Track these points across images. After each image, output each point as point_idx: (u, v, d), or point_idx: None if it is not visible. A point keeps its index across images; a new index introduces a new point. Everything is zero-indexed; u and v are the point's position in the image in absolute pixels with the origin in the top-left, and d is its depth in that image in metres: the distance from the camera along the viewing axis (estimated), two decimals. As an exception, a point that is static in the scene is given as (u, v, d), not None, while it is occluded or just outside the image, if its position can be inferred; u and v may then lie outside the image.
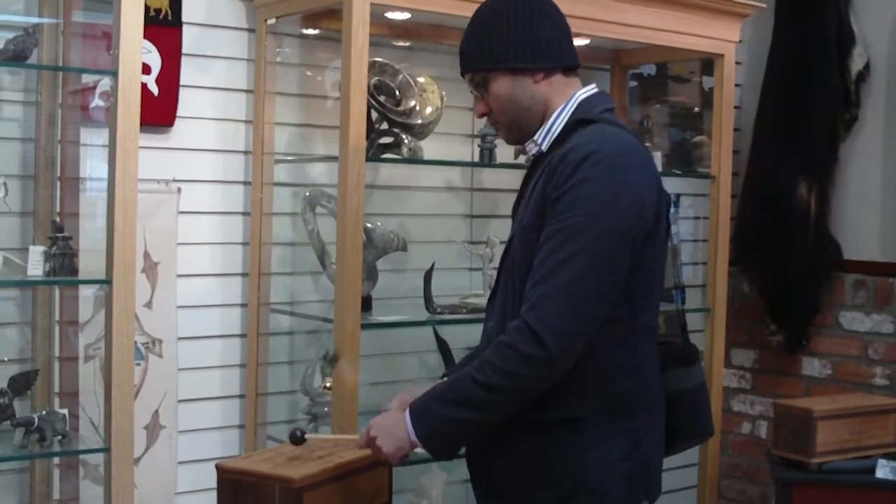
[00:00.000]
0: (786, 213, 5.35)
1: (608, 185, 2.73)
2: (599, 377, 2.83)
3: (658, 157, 4.95)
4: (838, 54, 5.30)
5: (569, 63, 2.99)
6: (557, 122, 2.94)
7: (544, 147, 2.94)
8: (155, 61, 4.05)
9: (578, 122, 2.90)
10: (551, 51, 2.94)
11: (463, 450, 2.99)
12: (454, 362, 3.47)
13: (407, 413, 2.87)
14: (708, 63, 5.15)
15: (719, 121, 4.92)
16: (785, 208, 5.35)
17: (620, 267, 2.76)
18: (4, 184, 3.47)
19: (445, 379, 3.17)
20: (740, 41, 4.96)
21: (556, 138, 2.92)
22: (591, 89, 3.00)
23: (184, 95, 4.14)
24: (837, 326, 5.45)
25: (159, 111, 4.06)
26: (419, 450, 2.89)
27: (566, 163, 2.76)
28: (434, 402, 2.86)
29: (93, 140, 3.85)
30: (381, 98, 4.14)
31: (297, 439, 3.11)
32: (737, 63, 5.01)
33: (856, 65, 5.33)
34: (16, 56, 3.42)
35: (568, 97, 2.96)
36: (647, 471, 2.94)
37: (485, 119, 3.11)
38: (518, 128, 3.00)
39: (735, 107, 5.11)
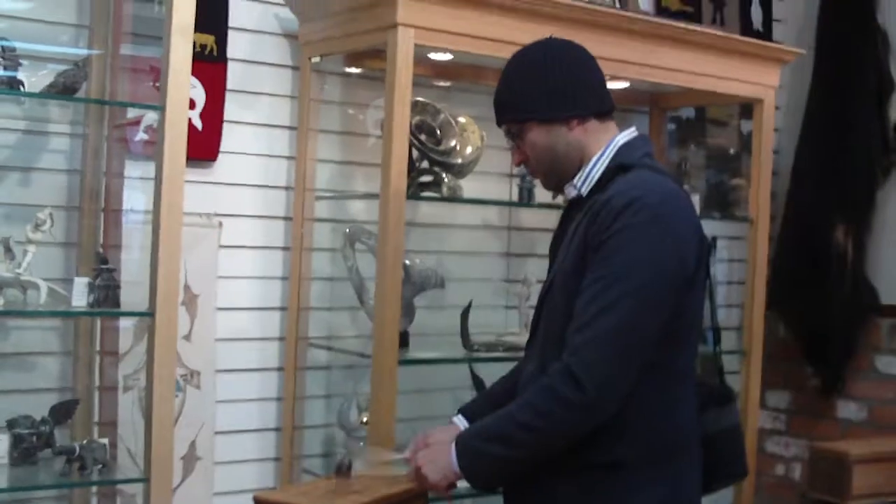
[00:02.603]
0: (822, 257, 5.35)
1: (651, 232, 2.75)
2: (640, 421, 2.84)
3: (696, 200, 4.96)
4: (877, 101, 5.32)
5: (603, 108, 3.00)
6: (597, 167, 2.95)
7: (584, 192, 2.96)
8: (200, 96, 4.09)
9: (619, 167, 2.92)
10: (584, 97, 2.96)
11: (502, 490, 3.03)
12: (470, 402, 3.49)
13: (452, 444, 2.91)
14: (746, 107, 5.16)
15: (758, 164, 4.92)
16: (822, 252, 5.35)
17: (661, 314, 2.77)
18: (51, 215, 3.50)
19: (459, 417, 3.26)
20: (780, 86, 4.96)
21: (596, 183, 2.94)
22: (630, 133, 3.02)
23: (227, 130, 4.19)
24: (873, 370, 5.44)
25: (203, 146, 4.10)
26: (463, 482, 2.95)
27: (609, 209, 2.78)
28: (477, 437, 2.90)
29: (136, 173, 3.89)
30: (422, 137, 4.17)
31: (344, 470, 3.14)
32: (776, 108, 5.01)
33: (894, 112, 5.33)
34: (66, 89, 3.47)
35: (606, 142, 2.97)
36: (689, 513, 2.95)
37: None
38: (555, 175, 3.03)
39: (773, 151, 5.11)
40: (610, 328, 2.71)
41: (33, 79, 3.55)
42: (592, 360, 2.72)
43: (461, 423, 3.23)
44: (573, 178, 2.98)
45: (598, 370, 2.71)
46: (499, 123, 3.08)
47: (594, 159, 2.96)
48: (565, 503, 2.89)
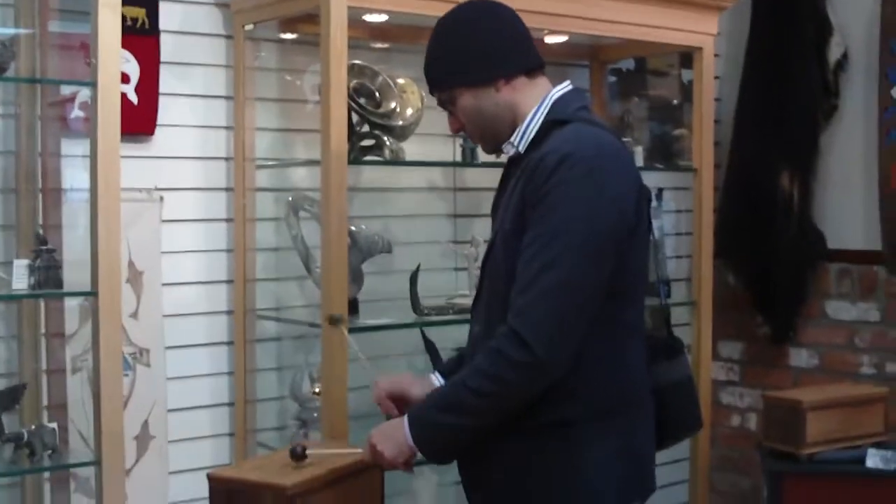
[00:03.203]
0: (768, 204, 5.35)
1: (586, 186, 2.73)
2: (588, 378, 2.83)
3: (639, 152, 4.96)
4: (816, 44, 5.31)
5: (530, 65, 2.99)
6: (532, 123, 2.94)
7: (521, 149, 2.95)
8: (133, 70, 4.03)
9: (554, 122, 2.90)
10: (507, 57, 2.96)
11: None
12: (442, 363, 3.48)
13: (405, 419, 2.91)
14: (686, 56, 5.16)
15: (699, 113, 4.93)
16: (767, 199, 5.35)
17: (604, 267, 2.76)
18: (-13, 197, 3.46)
19: (436, 374, 3.24)
20: (718, 34, 4.96)
21: (533, 139, 2.93)
22: (564, 87, 3.01)
23: (163, 103, 4.13)
24: (823, 316, 5.46)
25: (139, 120, 4.04)
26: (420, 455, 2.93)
27: (543, 166, 2.77)
28: (429, 408, 2.90)
29: (73, 151, 3.84)
30: (361, 100, 4.14)
31: (298, 455, 3.12)
32: (715, 55, 5.02)
33: (833, 54, 5.33)
34: (-7, 69, 3.41)
35: (539, 98, 2.96)
36: (641, 468, 2.96)
37: None
38: (491, 137, 3.04)
39: (715, 99, 5.11)
40: (552, 285, 2.71)
41: (-42, 61, 3.50)
42: (538, 320, 2.71)
43: (437, 379, 3.23)
44: (510, 137, 2.97)
45: (543, 329, 2.71)
46: (430, 93, 3.09)
47: (529, 116, 2.95)
48: (517, 464, 2.89)
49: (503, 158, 3.11)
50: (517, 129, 2.96)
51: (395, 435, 2.91)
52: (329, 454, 3.25)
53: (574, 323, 2.74)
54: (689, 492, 5.14)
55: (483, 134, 3.04)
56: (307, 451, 3.16)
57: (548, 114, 2.94)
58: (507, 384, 2.75)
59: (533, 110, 2.95)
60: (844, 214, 5.38)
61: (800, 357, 5.54)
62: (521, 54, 2.98)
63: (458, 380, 2.86)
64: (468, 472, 3.05)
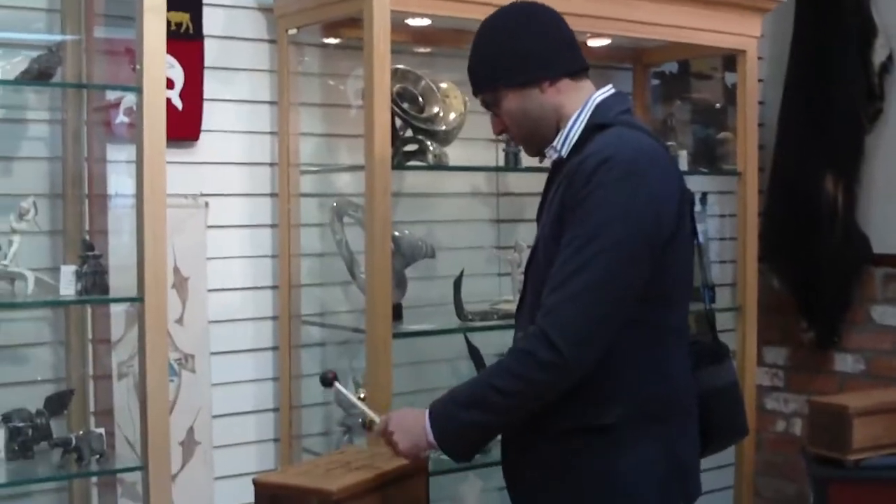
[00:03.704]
0: (813, 208, 5.33)
1: (624, 190, 2.72)
2: (631, 382, 2.82)
3: (683, 156, 4.94)
4: (860, 46, 5.28)
5: (575, 67, 2.98)
6: (575, 127, 2.93)
7: (564, 153, 2.94)
8: (178, 76, 4.05)
9: (596, 126, 2.89)
10: (553, 58, 2.95)
11: (500, 457, 3.02)
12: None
13: (426, 413, 2.90)
14: (730, 59, 5.14)
15: (743, 117, 4.91)
16: (812, 203, 5.32)
17: (638, 271, 2.74)
18: (35, 203, 3.47)
19: None
20: (762, 36, 4.94)
21: (575, 144, 2.91)
22: (607, 91, 2.99)
23: (208, 109, 4.14)
24: (869, 321, 5.42)
25: (184, 125, 4.05)
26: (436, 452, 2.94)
27: (582, 170, 2.76)
28: (452, 404, 2.89)
29: (118, 156, 3.86)
30: (405, 105, 4.13)
31: (328, 382, 3.16)
32: (759, 58, 4.99)
33: (878, 56, 5.30)
34: (41, 75, 3.43)
35: (582, 101, 2.95)
36: (683, 473, 2.93)
37: None
38: (535, 140, 3.02)
39: (759, 102, 5.08)
40: (583, 287, 2.70)
41: (7, 66, 3.53)
42: (566, 320, 2.70)
43: None
44: (553, 140, 2.96)
45: (572, 330, 2.70)
46: (474, 94, 3.08)
47: (571, 120, 2.94)
48: (558, 466, 2.87)
49: (546, 163, 3.10)
50: (560, 133, 2.94)
51: (414, 428, 2.91)
52: (353, 399, 3.31)
53: (603, 326, 2.73)
54: (734, 498, 5.11)
55: (526, 136, 3.03)
56: (336, 383, 3.25)
57: (590, 118, 2.92)
58: (533, 384, 2.74)
59: (576, 114, 2.93)
60: (889, 218, 5.34)
61: (845, 362, 5.50)
62: (566, 56, 2.97)
63: (482, 377, 2.88)
64: (510, 473, 3.04)
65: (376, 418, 3.11)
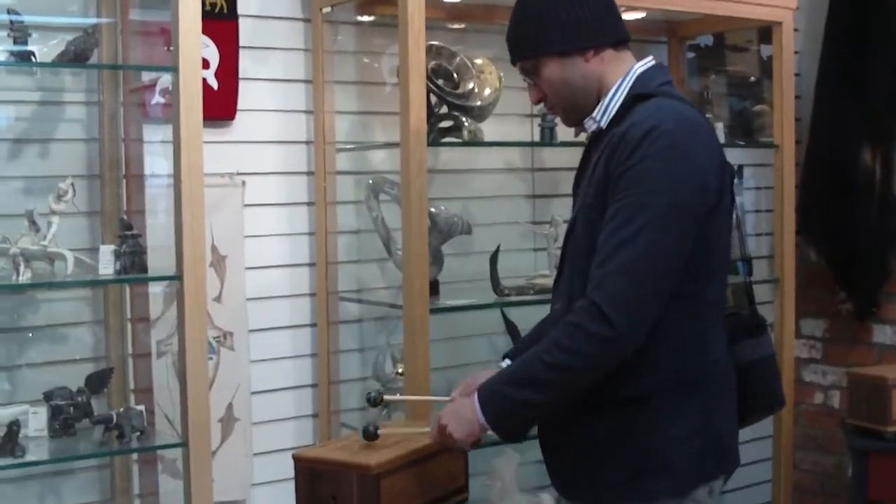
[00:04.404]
0: (850, 179, 5.30)
1: (669, 160, 2.71)
2: (669, 354, 2.82)
3: (720, 129, 4.93)
4: (897, 16, 5.25)
5: (618, 38, 2.97)
6: (615, 98, 2.92)
7: (603, 124, 2.92)
8: (213, 55, 4.06)
9: (637, 97, 2.88)
10: (598, 27, 2.93)
11: (535, 430, 3.01)
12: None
13: (475, 396, 2.89)
14: (765, 31, 5.12)
15: (780, 89, 4.89)
16: (849, 174, 5.29)
17: (685, 242, 2.74)
18: (73, 185, 3.49)
19: (506, 362, 3.20)
20: (797, 8, 4.91)
21: (615, 115, 2.90)
22: (648, 62, 2.98)
23: (243, 88, 4.15)
24: (908, 292, 5.40)
25: (220, 105, 4.07)
26: (490, 433, 2.91)
27: (627, 140, 2.75)
28: (502, 384, 2.87)
29: (154, 137, 3.89)
30: (440, 82, 4.13)
31: (371, 435, 3.14)
32: (795, 30, 4.96)
33: (915, 26, 5.26)
34: (77, 57, 3.46)
35: (623, 72, 2.94)
36: (720, 446, 2.92)
37: None
38: (575, 109, 3.00)
39: (795, 74, 5.06)
40: (633, 259, 2.69)
41: (44, 49, 3.56)
42: (618, 293, 2.69)
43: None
44: (593, 111, 2.95)
45: (624, 303, 2.69)
46: (513, 62, 3.05)
47: (612, 90, 2.93)
48: (594, 438, 2.88)
49: (582, 138, 3.09)
50: (600, 104, 2.93)
51: (465, 414, 2.89)
52: (400, 431, 3.27)
53: (653, 297, 2.73)
54: (772, 469, 5.11)
55: (566, 106, 3.00)
56: (378, 431, 3.18)
57: (631, 88, 2.91)
58: (584, 357, 2.73)
59: (617, 84, 2.92)
60: (928, 189, 5.31)
61: (884, 333, 5.48)
62: (611, 26, 2.96)
63: (532, 354, 2.83)
64: (546, 445, 3.04)
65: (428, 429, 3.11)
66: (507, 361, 3.20)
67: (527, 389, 2.80)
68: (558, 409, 2.87)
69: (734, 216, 3.00)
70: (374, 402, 3.22)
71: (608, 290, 2.70)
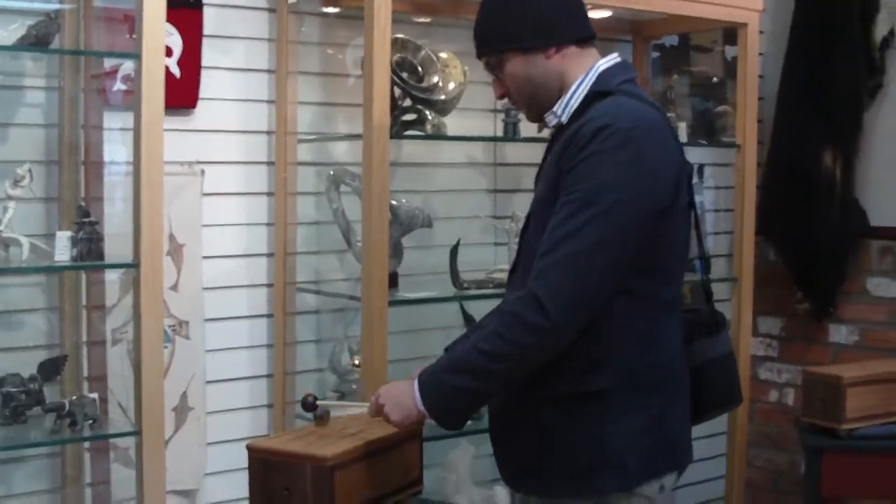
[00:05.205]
0: (811, 181, 5.32)
1: (620, 158, 2.73)
2: (623, 351, 2.84)
3: (682, 128, 4.94)
4: (862, 20, 5.26)
5: (583, 35, 2.98)
6: (576, 94, 2.93)
7: (564, 119, 2.94)
8: (176, 43, 4.03)
9: (597, 94, 2.89)
10: (561, 25, 2.94)
11: (485, 422, 3.03)
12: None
13: (415, 382, 2.91)
14: (730, 32, 5.13)
15: (743, 90, 4.90)
16: (810, 176, 5.32)
17: (630, 240, 2.75)
18: (30, 170, 3.47)
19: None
20: (763, 10, 4.92)
21: (576, 111, 2.91)
22: (612, 59, 3.00)
23: (206, 77, 4.13)
24: (864, 293, 5.43)
25: (182, 93, 4.04)
26: (429, 421, 2.94)
27: (580, 136, 2.76)
28: (440, 371, 2.90)
29: (115, 124, 3.86)
30: (404, 75, 4.13)
31: (310, 406, 3.15)
32: (760, 32, 4.97)
33: (880, 31, 5.28)
34: (38, 41, 3.43)
35: (586, 69, 2.95)
36: (672, 443, 2.95)
37: None
38: (537, 105, 3.01)
39: (759, 76, 5.07)
40: (574, 253, 2.71)
41: (4, 33, 3.53)
42: (556, 285, 2.71)
43: None
44: (554, 106, 2.96)
45: (562, 295, 2.71)
46: (479, 56, 3.07)
47: (574, 87, 2.94)
48: (545, 433, 2.89)
49: (545, 133, 3.10)
50: (561, 100, 2.95)
51: (403, 399, 2.91)
52: (337, 405, 3.27)
53: (593, 292, 2.74)
54: (726, 466, 5.13)
55: (528, 101, 3.02)
56: (317, 402, 3.18)
57: (592, 85, 2.93)
58: (520, 347, 2.75)
59: (579, 80, 2.94)
60: (887, 192, 5.34)
61: (839, 333, 5.52)
62: (576, 23, 2.98)
63: (470, 343, 2.86)
64: (497, 440, 3.06)
65: (366, 404, 3.12)
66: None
67: (464, 377, 2.82)
68: (497, 398, 2.91)
69: (692, 215, 3.00)
70: (310, 406, 3.22)
71: (548, 281, 2.72)
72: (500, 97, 3.09)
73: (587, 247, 2.70)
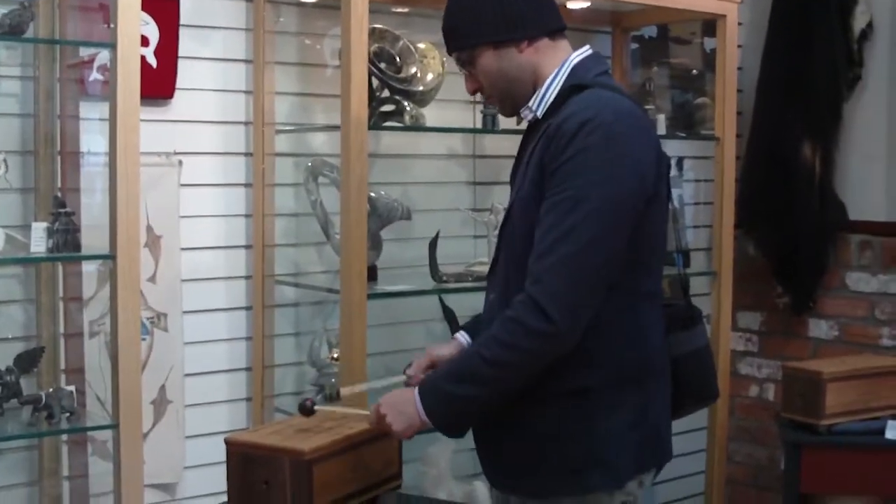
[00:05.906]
0: (790, 174, 5.32)
1: (606, 152, 2.71)
2: (606, 346, 2.82)
3: (661, 120, 4.94)
4: (841, 12, 5.26)
5: (554, 27, 2.96)
6: (551, 88, 2.92)
7: (539, 113, 2.93)
8: (153, 33, 4.00)
9: (574, 87, 2.87)
10: (532, 18, 2.92)
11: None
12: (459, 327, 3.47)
13: (416, 391, 2.87)
14: (709, 24, 5.13)
15: (722, 82, 4.90)
16: (789, 169, 5.32)
17: (622, 234, 2.74)
18: (5, 160, 3.45)
19: (461, 334, 3.20)
20: (742, 1, 4.92)
21: (552, 105, 2.90)
22: (584, 52, 2.98)
23: (182, 67, 4.11)
24: (844, 287, 5.43)
25: (158, 83, 4.02)
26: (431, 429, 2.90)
27: (562, 132, 2.74)
28: (442, 380, 2.86)
29: (91, 114, 3.83)
30: (382, 65, 4.11)
31: (307, 410, 3.10)
32: (739, 24, 4.97)
33: (858, 23, 5.28)
34: (12, 30, 3.39)
35: (559, 61, 2.93)
36: (657, 438, 2.94)
37: None
38: (511, 99, 2.99)
39: (738, 68, 5.07)
40: (571, 254, 2.68)
41: (-24, 22, 3.49)
42: (556, 288, 2.69)
43: (463, 338, 3.18)
44: (529, 100, 2.95)
45: (563, 298, 2.69)
46: (449, 52, 3.05)
47: (548, 80, 2.92)
48: (533, 432, 2.87)
49: (523, 126, 3.08)
50: (536, 94, 2.93)
51: (405, 408, 2.87)
52: (336, 411, 3.24)
53: (592, 292, 2.73)
54: (706, 461, 5.13)
55: (502, 96, 3.00)
56: (315, 407, 3.15)
57: (567, 78, 2.91)
58: (523, 352, 2.73)
59: (553, 74, 2.92)
60: (866, 185, 5.34)
61: (819, 328, 5.52)
62: (547, 15, 2.95)
63: (471, 350, 2.85)
64: (482, 440, 3.03)
65: (366, 412, 3.08)
66: (462, 334, 3.20)
67: (466, 385, 2.79)
68: (499, 404, 2.85)
69: (670, 208, 2.99)
70: (308, 410, 3.19)
71: (547, 285, 2.70)
72: (473, 93, 3.08)
73: (583, 246, 2.69)
